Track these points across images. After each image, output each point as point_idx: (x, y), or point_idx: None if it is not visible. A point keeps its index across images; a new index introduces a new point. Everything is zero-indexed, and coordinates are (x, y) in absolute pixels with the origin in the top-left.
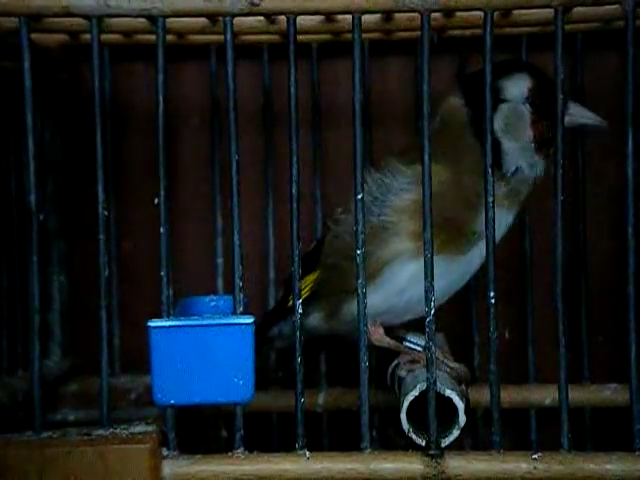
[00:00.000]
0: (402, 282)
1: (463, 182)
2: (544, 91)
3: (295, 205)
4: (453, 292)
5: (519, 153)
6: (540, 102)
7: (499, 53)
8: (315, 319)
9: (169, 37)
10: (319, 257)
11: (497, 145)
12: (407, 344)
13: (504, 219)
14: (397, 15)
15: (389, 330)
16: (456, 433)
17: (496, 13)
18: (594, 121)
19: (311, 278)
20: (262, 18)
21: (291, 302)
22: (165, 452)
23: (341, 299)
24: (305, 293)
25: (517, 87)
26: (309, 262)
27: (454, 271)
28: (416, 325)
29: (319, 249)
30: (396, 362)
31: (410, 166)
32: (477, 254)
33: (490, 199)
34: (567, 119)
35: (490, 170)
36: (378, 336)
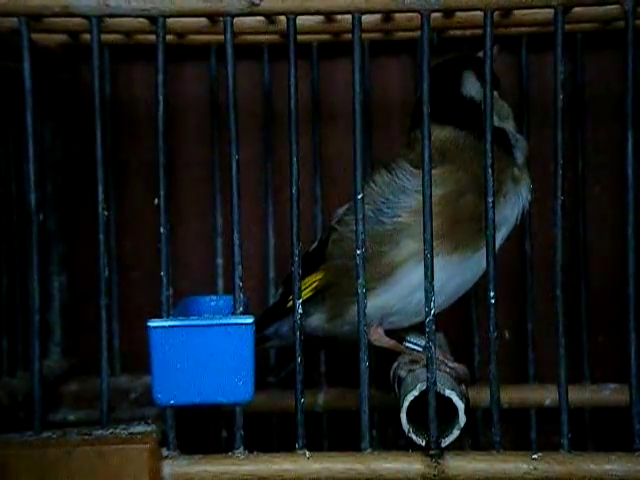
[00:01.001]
0: (412, 284)
1: (480, 179)
2: None
3: (295, 205)
4: (463, 292)
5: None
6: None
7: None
8: (316, 320)
9: (169, 37)
10: (323, 258)
11: (503, 131)
12: (407, 344)
13: (521, 199)
14: (397, 15)
15: (392, 331)
16: (456, 433)
17: (496, 13)
18: None
19: (313, 278)
20: (262, 18)
21: (291, 302)
22: (165, 452)
23: (347, 300)
24: (307, 294)
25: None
26: (310, 262)
27: (467, 271)
28: (418, 325)
29: (322, 250)
30: (397, 363)
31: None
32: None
33: (490, 199)
34: None
35: (490, 170)
36: (377, 336)
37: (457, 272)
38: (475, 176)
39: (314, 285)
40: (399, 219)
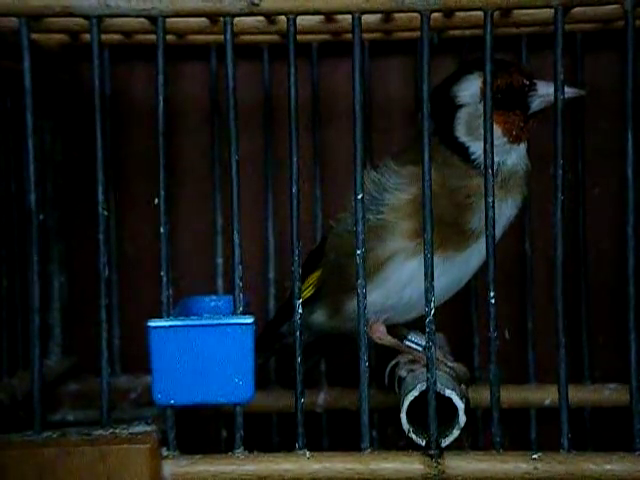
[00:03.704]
0: (401, 280)
1: (450, 184)
2: (498, 84)
3: (295, 205)
4: (453, 291)
5: None
6: (498, 95)
7: (499, 53)
8: (320, 316)
9: (169, 37)
10: (322, 255)
11: (466, 149)
12: (408, 343)
13: (504, 211)
14: (397, 15)
15: (392, 328)
16: (456, 433)
17: (496, 13)
18: (571, 93)
19: (315, 276)
20: (262, 18)
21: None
22: (165, 452)
23: (343, 297)
24: (310, 291)
25: (469, 90)
26: (313, 260)
27: (453, 270)
28: (419, 324)
29: (322, 247)
30: (395, 361)
31: (404, 167)
32: (476, 253)
33: (490, 199)
34: (537, 102)
35: (491, 170)
36: (379, 334)
37: (443, 271)
38: (452, 178)
39: (314, 283)
40: (382, 216)
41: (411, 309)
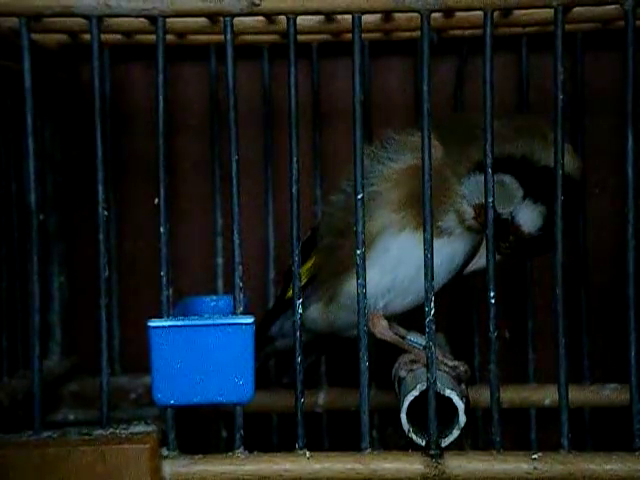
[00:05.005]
0: (394, 255)
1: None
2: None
3: (295, 205)
4: (451, 272)
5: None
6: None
7: (499, 53)
8: (315, 310)
9: (169, 37)
10: (315, 243)
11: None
12: (408, 342)
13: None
14: (397, 15)
15: (392, 328)
16: (456, 433)
17: (496, 13)
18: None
19: (308, 265)
20: (262, 18)
21: (290, 292)
22: (165, 452)
23: (339, 279)
24: (303, 280)
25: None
26: (305, 251)
27: (443, 251)
28: (419, 323)
29: (314, 236)
30: (398, 364)
31: (402, 134)
32: (467, 235)
33: (490, 199)
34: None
35: (490, 170)
36: (381, 328)
37: (435, 250)
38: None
39: (307, 274)
40: (372, 188)
41: (408, 291)
